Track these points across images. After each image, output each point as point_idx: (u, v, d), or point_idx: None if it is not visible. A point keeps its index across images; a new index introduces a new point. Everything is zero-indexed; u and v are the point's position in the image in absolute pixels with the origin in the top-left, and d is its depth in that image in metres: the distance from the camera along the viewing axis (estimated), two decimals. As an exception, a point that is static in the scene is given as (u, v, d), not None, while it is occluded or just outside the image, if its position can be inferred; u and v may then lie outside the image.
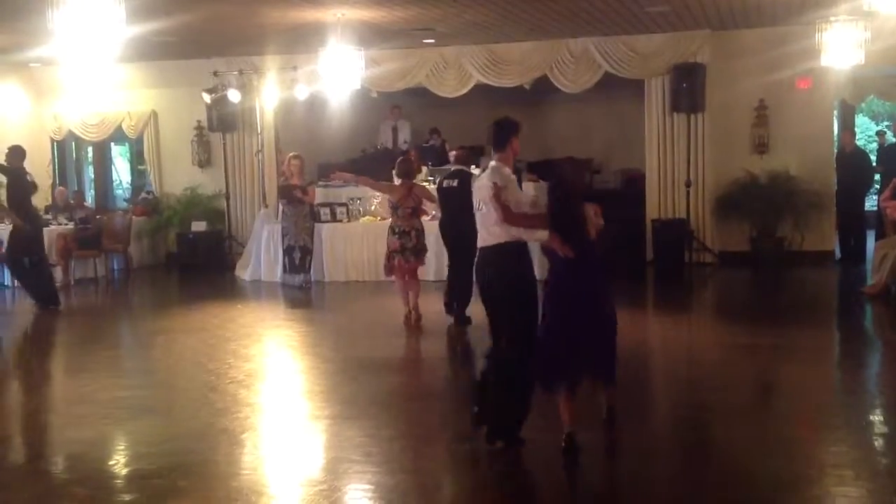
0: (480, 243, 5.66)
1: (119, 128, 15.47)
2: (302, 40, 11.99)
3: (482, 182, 5.62)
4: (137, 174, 18.46)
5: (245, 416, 6.57)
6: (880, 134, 15.93)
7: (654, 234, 12.97)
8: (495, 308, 5.64)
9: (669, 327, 9.77)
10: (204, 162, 15.07)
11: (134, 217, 14.73)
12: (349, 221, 12.82)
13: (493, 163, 5.69)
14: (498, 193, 5.40)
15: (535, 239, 5.47)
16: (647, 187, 13.31)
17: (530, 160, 11.67)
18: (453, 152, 14.00)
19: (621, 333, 5.86)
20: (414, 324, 9.51)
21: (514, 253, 5.52)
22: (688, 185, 12.98)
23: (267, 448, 5.97)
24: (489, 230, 5.56)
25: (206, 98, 13.92)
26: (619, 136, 14.83)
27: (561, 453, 5.30)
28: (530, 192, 7.16)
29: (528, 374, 5.46)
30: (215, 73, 13.93)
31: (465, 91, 13.87)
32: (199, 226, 14.47)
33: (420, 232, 9.65)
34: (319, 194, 12.96)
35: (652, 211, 13.23)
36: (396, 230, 9.58)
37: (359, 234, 12.61)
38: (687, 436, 6.14)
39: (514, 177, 5.66)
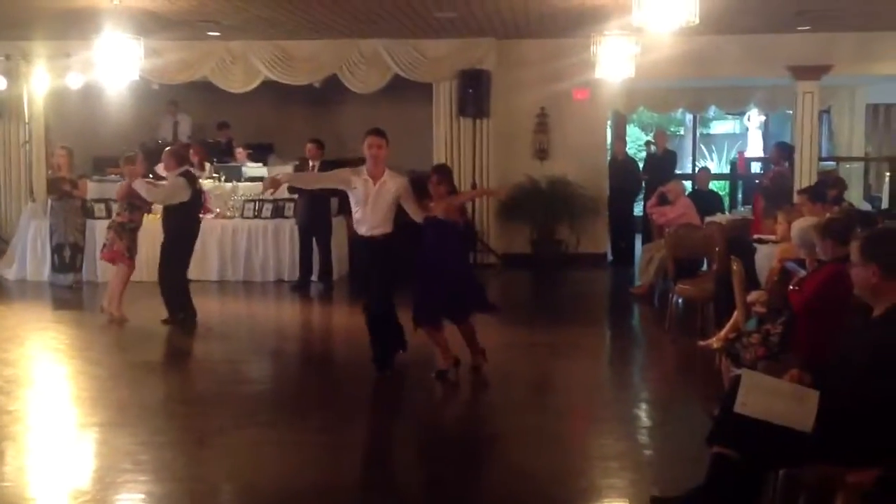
0: None
1: None
2: (76, 26, 11.31)
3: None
4: None
5: (4, 424, 6.12)
6: (648, 144, 16.96)
7: (440, 235, 13.16)
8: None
9: (453, 326, 9.93)
10: (-36, 152, 13.94)
11: None
12: (127, 218, 12.21)
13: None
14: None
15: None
16: (433, 189, 13.50)
17: (325, 159, 11.59)
18: (240, 149, 13.79)
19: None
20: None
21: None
22: (473, 188, 13.29)
23: (29, 458, 5.59)
24: None
25: (-32, 84, 12.89)
26: (409, 138, 14.91)
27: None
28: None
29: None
30: (-22, 58, 12.92)
31: (252, 87, 13.57)
32: (-43, 221, 13.36)
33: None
34: (94, 189, 12.30)
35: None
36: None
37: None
38: (467, 432, 6.28)
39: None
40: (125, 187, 9.43)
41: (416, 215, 7.18)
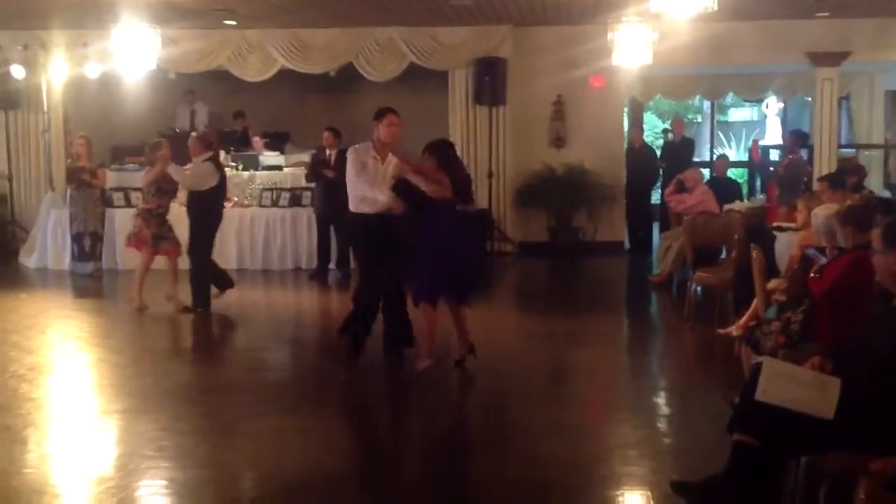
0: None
1: None
2: (93, 15, 11.36)
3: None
4: None
5: (27, 411, 6.19)
6: (665, 131, 16.88)
7: (457, 223, 13.19)
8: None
9: (470, 315, 9.95)
10: (-16, 142, 14.04)
11: None
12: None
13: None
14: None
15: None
16: (450, 178, 13.50)
17: (342, 148, 11.60)
18: (256, 138, 13.83)
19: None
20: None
21: (351, 220, 7.20)
22: (490, 176, 13.30)
23: (52, 445, 5.64)
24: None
25: (-14, 73, 12.99)
26: (425, 127, 14.86)
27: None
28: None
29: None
30: (-4, 47, 13.01)
31: (269, 76, 13.59)
32: (-23, 210, 13.46)
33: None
34: (113, 178, 12.37)
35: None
36: None
37: (155, 220, 12.07)
38: (485, 420, 6.30)
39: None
40: (158, 171, 9.38)
41: (425, 186, 6.96)
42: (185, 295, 9.37)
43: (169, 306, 9.36)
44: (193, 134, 9.79)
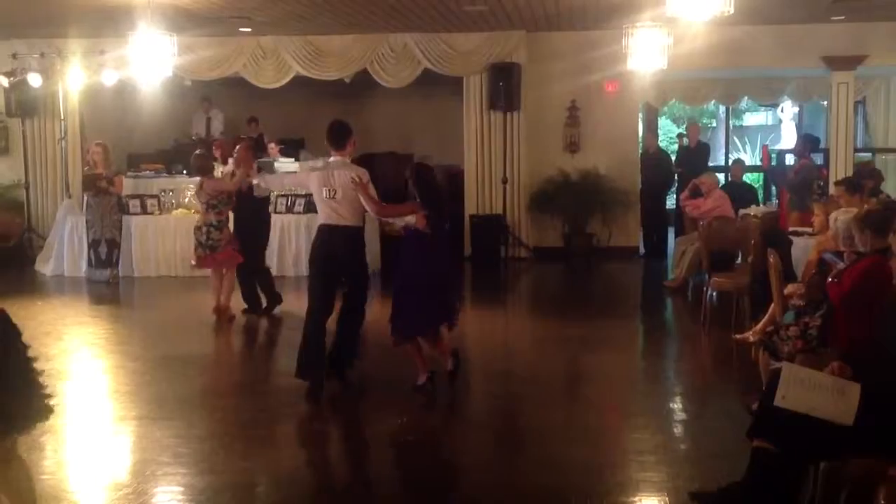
0: (329, 222, 6.72)
1: None
2: (109, 23, 11.42)
3: (342, 173, 6.64)
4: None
5: (43, 418, 6.20)
6: (680, 136, 16.83)
7: (472, 229, 13.22)
8: (341, 279, 6.92)
9: (486, 320, 9.95)
10: (1, 149, 14.14)
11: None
12: (161, 214, 12.32)
13: (338, 159, 6.78)
14: (366, 188, 6.47)
15: (406, 221, 6.49)
16: (465, 183, 13.53)
17: (364, 154, 11.62)
18: (272, 145, 13.86)
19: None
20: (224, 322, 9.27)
21: (361, 236, 6.91)
22: (504, 181, 13.29)
23: (69, 451, 5.66)
24: (341, 213, 6.67)
25: (4, 81, 13.06)
26: (439, 133, 14.98)
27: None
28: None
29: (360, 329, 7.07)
30: (14, 56, 13.07)
31: (284, 82, 13.65)
32: (-6, 217, 13.56)
33: (212, 227, 9.27)
34: (129, 185, 12.43)
35: (470, 207, 13.46)
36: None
37: (171, 227, 12.12)
38: (501, 425, 6.29)
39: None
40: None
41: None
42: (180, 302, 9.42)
43: (196, 314, 9.42)
44: (243, 143, 9.73)
